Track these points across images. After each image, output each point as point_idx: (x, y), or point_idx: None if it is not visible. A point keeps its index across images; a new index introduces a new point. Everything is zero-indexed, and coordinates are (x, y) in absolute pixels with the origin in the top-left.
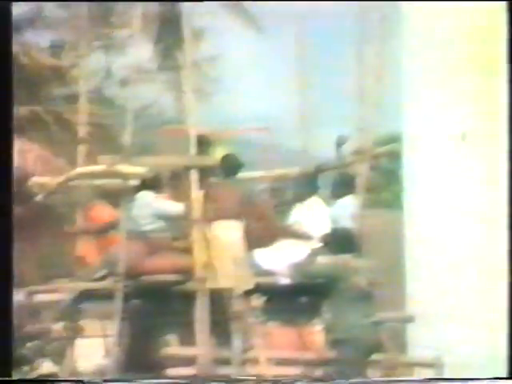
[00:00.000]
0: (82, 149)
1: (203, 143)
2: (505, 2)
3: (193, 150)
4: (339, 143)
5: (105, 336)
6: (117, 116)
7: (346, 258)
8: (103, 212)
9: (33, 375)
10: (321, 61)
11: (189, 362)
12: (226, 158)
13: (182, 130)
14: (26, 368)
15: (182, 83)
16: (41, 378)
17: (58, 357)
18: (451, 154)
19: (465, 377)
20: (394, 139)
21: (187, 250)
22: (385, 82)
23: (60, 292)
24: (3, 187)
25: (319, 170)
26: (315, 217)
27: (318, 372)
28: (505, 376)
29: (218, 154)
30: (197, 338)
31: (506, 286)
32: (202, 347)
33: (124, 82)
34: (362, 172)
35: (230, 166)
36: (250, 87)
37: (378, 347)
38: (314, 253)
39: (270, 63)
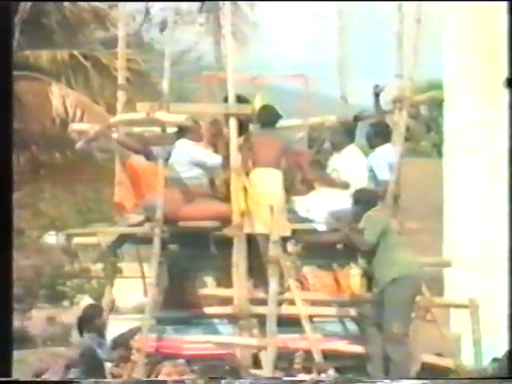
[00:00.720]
0: (121, 95)
1: (242, 91)
2: (505, 2)
3: (231, 97)
4: (377, 91)
5: (143, 277)
6: (155, 62)
7: (381, 206)
8: (139, 161)
9: (73, 309)
10: (360, 8)
11: (226, 301)
12: (264, 109)
13: (220, 76)
14: (66, 303)
15: (220, 26)
16: (41, 379)
17: (98, 294)
18: (492, 102)
19: (465, 377)
20: (434, 86)
21: (225, 198)
22: (424, 29)
23: (99, 236)
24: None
25: (357, 118)
26: (353, 166)
27: (353, 312)
28: (505, 376)
29: (256, 102)
30: (234, 280)
31: (507, 286)
32: (239, 288)
33: (163, 25)
34: (400, 120)
35: (269, 116)
36: (289, 34)
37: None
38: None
39: (308, 9)
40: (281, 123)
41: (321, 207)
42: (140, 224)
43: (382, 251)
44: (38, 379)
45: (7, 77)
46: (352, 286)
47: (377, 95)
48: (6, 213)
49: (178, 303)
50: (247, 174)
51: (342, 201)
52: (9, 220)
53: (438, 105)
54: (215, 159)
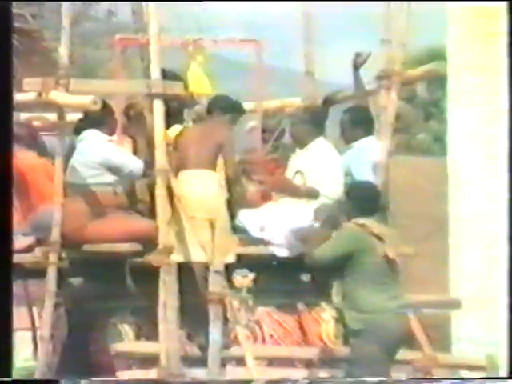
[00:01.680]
0: None
1: (170, 62)
2: (505, 2)
3: (156, 70)
4: (357, 62)
5: (33, 329)
6: (49, 18)
7: (366, 222)
8: (28, 159)
9: None
10: None
11: (149, 361)
12: (215, 100)
13: (140, 40)
14: None
15: None
16: (42, 379)
17: None
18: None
19: (464, 377)
20: (435, 57)
21: (148, 211)
22: None
23: None
24: None
25: (328, 101)
26: (323, 166)
27: (325, 374)
28: (505, 376)
29: (190, 76)
30: (160, 330)
31: (506, 286)
32: (167, 341)
33: None
34: (388, 104)
35: (220, 108)
36: None
37: (407, 341)
38: (321, 215)
39: None
40: None
41: (280, 224)
42: (28, 249)
43: (352, 285)
44: (38, 379)
45: (7, 77)
46: (323, 336)
47: (357, 68)
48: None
49: (82, 366)
50: (177, 178)
51: (308, 214)
52: (9, 221)
53: (440, 83)
54: (135, 164)
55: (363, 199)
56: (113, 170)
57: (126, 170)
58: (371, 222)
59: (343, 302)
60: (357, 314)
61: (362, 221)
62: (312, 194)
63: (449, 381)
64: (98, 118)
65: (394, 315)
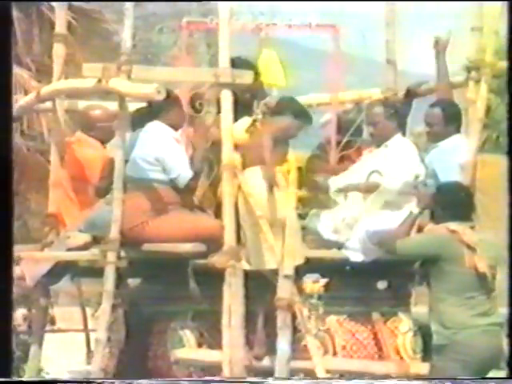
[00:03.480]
0: (58, 51)
1: (240, 48)
2: (505, 2)
3: (225, 58)
4: (439, 47)
5: (87, 330)
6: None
7: (457, 227)
8: (89, 150)
9: None
10: None
11: (211, 369)
12: (286, 102)
13: (209, 24)
14: None
15: None
16: (42, 379)
17: (17, 360)
18: None
19: (465, 377)
20: None
21: (212, 209)
22: None
23: (22, 266)
24: None
25: (411, 93)
26: (403, 165)
27: None
28: (505, 376)
29: (261, 65)
30: (223, 337)
31: (507, 286)
32: (231, 349)
33: None
34: (477, 98)
35: (292, 112)
36: None
37: (499, 360)
38: (403, 218)
39: None
40: (298, 99)
41: (355, 226)
42: (85, 247)
43: (437, 295)
44: (38, 379)
45: (7, 77)
46: (400, 350)
47: (439, 53)
48: (5, 216)
49: (140, 371)
50: (245, 175)
51: (387, 217)
52: (9, 222)
53: None
54: (185, 172)
55: (454, 202)
56: (165, 168)
57: (174, 174)
58: (463, 229)
59: (428, 313)
60: (441, 328)
61: (453, 226)
62: (390, 194)
63: (449, 381)
64: (164, 109)
65: (483, 333)
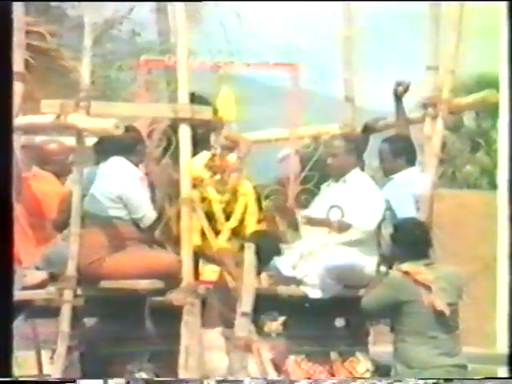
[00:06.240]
0: (17, 88)
1: (199, 85)
2: (505, 2)
3: (183, 94)
4: (399, 92)
5: (41, 376)
6: (70, 36)
7: (410, 268)
8: (45, 185)
9: None
10: None
11: None
12: None
13: (166, 62)
14: None
15: None
16: (42, 379)
17: None
18: None
19: (465, 377)
20: (485, 84)
21: (172, 243)
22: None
23: None
24: None
25: (368, 129)
26: (362, 200)
27: None
28: (505, 376)
29: (219, 101)
30: (180, 377)
31: (507, 286)
32: None
33: None
34: (433, 134)
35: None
36: (273, 4)
37: None
38: (356, 254)
39: None
40: (258, 134)
41: (314, 262)
42: (41, 285)
43: (399, 336)
44: (38, 379)
45: (7, 77)
46: None
47: (398, 97)
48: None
49: None
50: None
51: (347, 253)
52: (9, 222)
53: (490, 112)
54: (149, 212)
55: (409, 241)
56: (128, 208)
57: (138, 214)
58: (416, 268)
59: (392, 353)
60: (404, 367)
61: (405, 267)
62: (342, 227)
63: (449, 381)
64: (124, 144)
65: (447, 373)
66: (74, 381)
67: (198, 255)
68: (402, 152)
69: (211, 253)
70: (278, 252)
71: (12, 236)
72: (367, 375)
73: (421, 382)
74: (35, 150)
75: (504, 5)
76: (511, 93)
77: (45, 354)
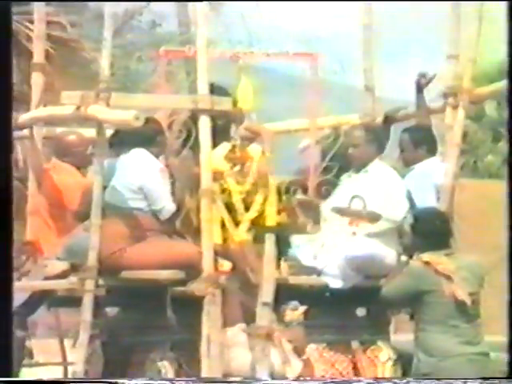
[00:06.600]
0: (36, 79)
1: (219, 75)
2: (505, 2)
3: (203, 85)
4: (421, 84)
5: (65, 363)
6: (90, 27)
7: (431, 258)
8: (66, 176)
9: None
10: None
11: None
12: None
13: (186, 53)
14: None
15: None
16: (42, 379)
17: None
18: None
19: (464, 377)
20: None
21: (192, 234)
22: None
23: None
24: None
25: (389, 119)
26: (384, 190)
27: None
28: (505, 376)
29: (239, 92)
30: (203, 367)
31: (507, 286)
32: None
33: None
34: (454, 124)
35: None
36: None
37: None
38: (377, 245)
39: None
40: (277, 125)
41: (335, 252)
42: (63, 275)
43: (420, 325)
44: (38, 379)
45: (7, 78)
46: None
47: (420, 89)
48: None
49: None
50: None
51: (368, 243)
52: (9, 222)
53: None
54: (168, 205)
55: (430, 231)
56: (148, 199)
57: (157, 206)
58: (437, 258)
59: (414, 342)
60: (425, 356)
61: (426, 257)
62: (373, 217)
63: (450, 380)
64: (145, 136)
65: (468, 362)
66: (78, 381)
67: (217, 254)
68: (423, 142)
69: (230, 250)
70: (299, 243)
71: (11, 245)
72: (389, 363)
73: (420, 381)
74: (54, 141)
75: (504, 5)
76: (511, 89)
77: (67, 343)
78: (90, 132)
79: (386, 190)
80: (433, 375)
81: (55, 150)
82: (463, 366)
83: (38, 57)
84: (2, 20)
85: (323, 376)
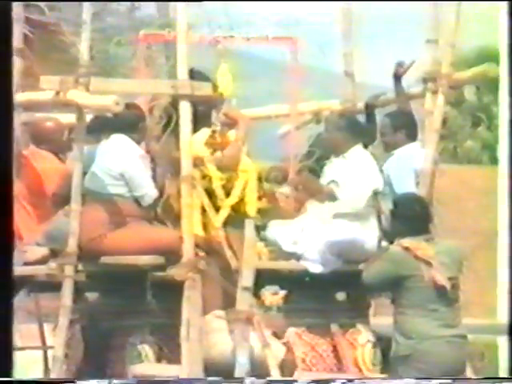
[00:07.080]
0: (16, 64)
1: (198, 60)
2: (505, 2)
3: (183, 70)
4: (399, 73)
5: (44, 347)
6: (68, 11)
7: (410, 244)
8: (44, 162)
9: None
10: None
11: None
12: None
13: (166, 36)
14: None
15: None
16: (42, 379)
17: None
18: None
19: (464, 377)
20: (486, 58)
21: (172, 220)
22: None
23: None
24: None
25: (370, 105)
26: (361, 176)
27: None
28: (505, 376)
29: (219, 77)
30: (182, 351)
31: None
32: (191, 364)
33: None
34: (434, 108)
35: None
36: None
37: (462, 373)
38: (357, 230)
39: None
40: (257, 111)
41: (315, 237)
42: (42, 261)
43: (399, 308)
44: (39, 379)
45: (7, 78)
46: (359, 361)
47: (398, 78)
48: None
49: None
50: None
51: (348, 228)
52: (9, 222)
53: (491, 87)
54: (151, 191)
55: (409, 216)
56: (129, 185)
57: (139, 193)
58: (417, 244)
59: (392, 325)
60: (404, 338)
61: (406, 243)
62: (331, 197)
63: (450, 380)
64: (127, 122)
65: (446, 343)
66: (74, 381)
67: (199, 247)
68: (403, 126)
69: (209, 242)
70: (278, 228)
71: (12, 213)
72: (368, 346)
73: (418, 381)
74: (32, 127)
75: (504, 5)
76: (511, 66)
77: (47, 327)
78: (68, 117)
79: (357, 175)
80: (412, 357)
81: (32, 136)
82: (441, 347)
83: (17, 40)
84: (2, 20)
85: (303, 359)
